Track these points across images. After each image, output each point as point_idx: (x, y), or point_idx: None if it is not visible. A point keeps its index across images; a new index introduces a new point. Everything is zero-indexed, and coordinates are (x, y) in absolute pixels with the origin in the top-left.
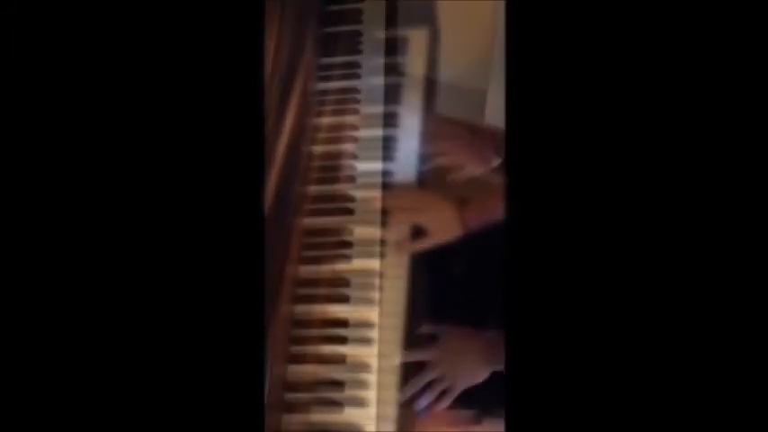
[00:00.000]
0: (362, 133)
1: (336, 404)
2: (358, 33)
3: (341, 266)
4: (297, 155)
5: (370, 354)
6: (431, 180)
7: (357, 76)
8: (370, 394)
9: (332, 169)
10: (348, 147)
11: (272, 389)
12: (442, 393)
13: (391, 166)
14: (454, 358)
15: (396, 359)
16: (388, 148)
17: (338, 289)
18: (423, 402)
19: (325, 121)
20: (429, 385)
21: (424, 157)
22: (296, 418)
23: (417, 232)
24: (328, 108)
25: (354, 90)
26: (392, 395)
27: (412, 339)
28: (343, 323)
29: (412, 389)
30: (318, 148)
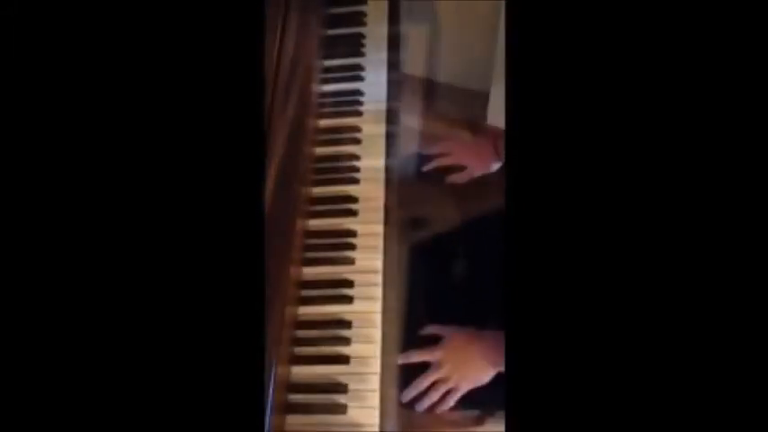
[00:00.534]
0: (365, 134)
1: (340, 405)
2: (360, 35)
3: (344, 267)
4: (299, 156)
5: (373, 354)
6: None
7: (360, 78)
8: (374, 395)
9: (334, 170)
10: (350, 147)
11: (276, 390)
12: (446, 394)
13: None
14: (459, 359)
15: (398, 359)
16: (390, 147)
17: (341, 290)
18: (426, 403)
19: (328, 122)
20: (433, 386)
21: (426, 158)
22: (299, 419)
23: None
24: (331, 109)
25: (357, 92)
26: (395, 395)
27: (416, 340)
28: (346, 324)
29: (416, 390)
30: (321, 150)
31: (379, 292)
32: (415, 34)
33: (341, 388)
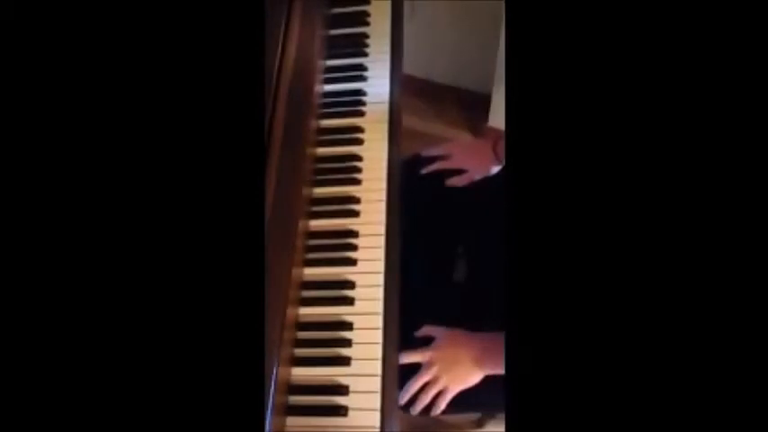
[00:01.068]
0: (367, 134)
1: (341, 407)
2: (363, 35)
3: (345, 268)
4: (301, 156)
5: (374, 356)
6: None
7: (363, 79)
8: (375, 397)
9: (336, 171)
10: (353, 148)
11: (277, 391)
12: (437, 396)
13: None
14: (448, 360)
15: (398, 359)
16: (392, 148)
17: (343, 291)
18: (419, 406)
19: (330, 122)
20: (424, 388)
21: (426, 160)
22: (300, 421)
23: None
24: (333, 110)
25: (360, 92)
26: (396, 397)
27: (411, 341)
28: (348, 326)
29: (408, 393)
30: (323, 150)
31: (380, 293)
32: (416, 35)
33: (342, 390)
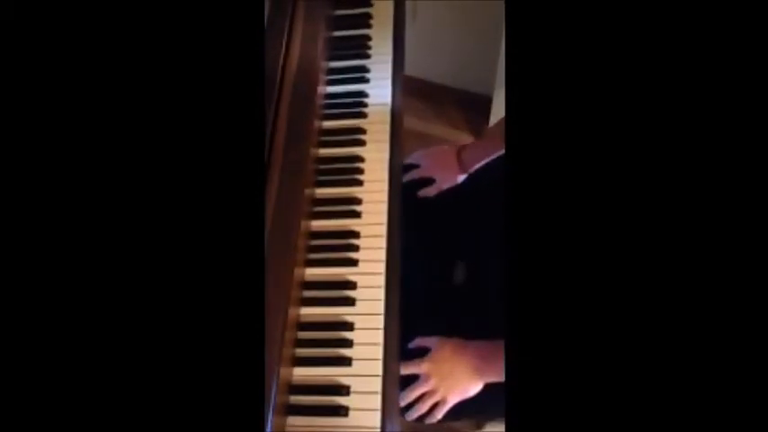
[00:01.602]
0: (369, 136)
1: (342, 407)
2: (366, 37)
3: (347, 269)
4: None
5: (375, 356)
6: None
7: (365, 80)
8: (376, 397)
9: (338, 172)
10: (355, 149)
11: (278, 391)
12: (434, 406)
13: None
14: (445, 371)
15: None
16: (394, 149)
17: (344, 291)
18: (414, 415)
19: (332, 123)
20: (421, 398)
21: (406, 168)
22: (301, 421)
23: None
24: (335, 111)
25: (362, 94)
26: (397, 398)
27: (403, 353)
28: (349, 326)
29: (404, 401)
30: (325, 151)
31: (381, 294)
32: (417, 36)
33: (343, 390)
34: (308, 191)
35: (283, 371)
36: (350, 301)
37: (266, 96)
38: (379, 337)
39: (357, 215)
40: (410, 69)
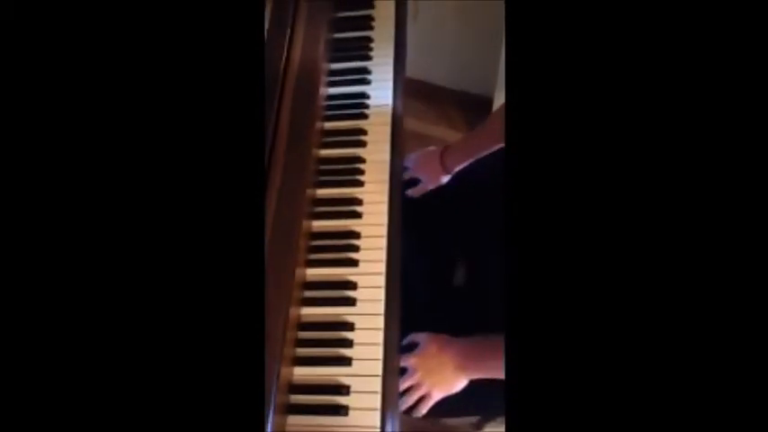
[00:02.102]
0: (370, 136)
1: (342, 406)
2: (368, 39)
3: (347, 269)
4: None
5: (375, 356)
6: None
7: (366, 82)
8: (376, 397)
9: (339, 172)
10: (356, 150)
11: (278, 390)
12: (419, 400)
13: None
14: (431, 366)
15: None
16: (395, 149)
17: (344, 292)
18: (401, 407)
19: (334, 124)
20: (407, 391)
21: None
22: (301, 420)
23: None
24: (337, 112)
25: (364, 95)
26: (396, 396)
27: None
28: (349, 326)
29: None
30: (326, 152)
31: (382, 294)
32: (418, 37)
33: (343, 389)
34: (309, 191)
35: (284, 370)
36: (350, 302)
37: (268, 97)
38: (379, 337)
39: (358, 216)
40: (411, 71)
